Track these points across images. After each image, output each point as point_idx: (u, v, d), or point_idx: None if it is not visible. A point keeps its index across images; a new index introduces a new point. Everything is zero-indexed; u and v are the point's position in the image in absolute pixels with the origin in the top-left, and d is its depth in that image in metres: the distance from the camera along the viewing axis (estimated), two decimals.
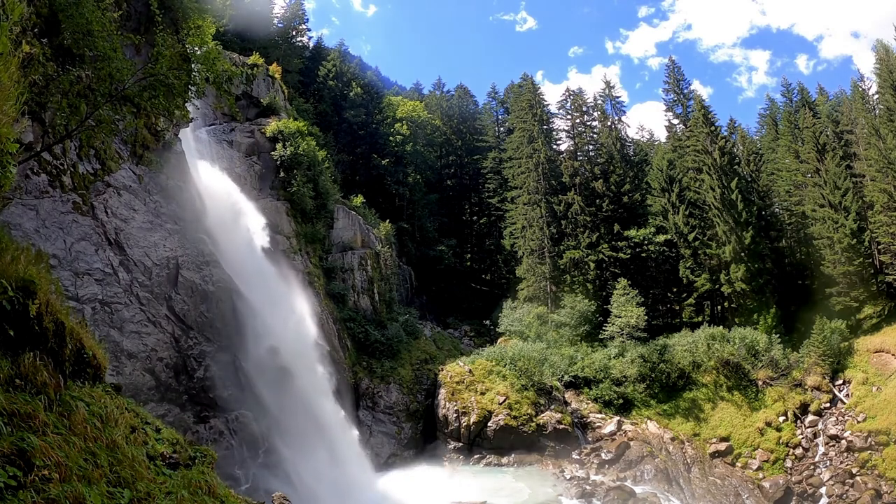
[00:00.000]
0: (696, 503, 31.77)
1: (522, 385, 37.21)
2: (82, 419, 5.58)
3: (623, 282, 44.65)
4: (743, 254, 45.00)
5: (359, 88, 66.70)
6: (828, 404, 36.43)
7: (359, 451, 31.15)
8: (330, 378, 31.78)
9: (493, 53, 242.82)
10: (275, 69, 46.10)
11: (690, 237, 48.70)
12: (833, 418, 35.18)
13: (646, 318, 42.38)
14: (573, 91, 58.87)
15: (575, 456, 34.47)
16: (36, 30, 10.95)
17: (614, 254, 49.53)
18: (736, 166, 50.97)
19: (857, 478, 31.06)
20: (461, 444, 35.11)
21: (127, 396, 8.96)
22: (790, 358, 38.90)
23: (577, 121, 57.92)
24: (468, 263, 69.93)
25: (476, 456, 34.35)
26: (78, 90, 9.81)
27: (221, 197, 29.75)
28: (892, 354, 36.25)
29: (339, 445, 29.41)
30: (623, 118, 60.44)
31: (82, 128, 9.99)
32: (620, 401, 38.45)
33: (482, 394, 36.86)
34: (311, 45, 71.98)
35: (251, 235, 30.83)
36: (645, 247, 49.44)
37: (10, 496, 3.94)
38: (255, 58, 43.24)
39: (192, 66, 11.80)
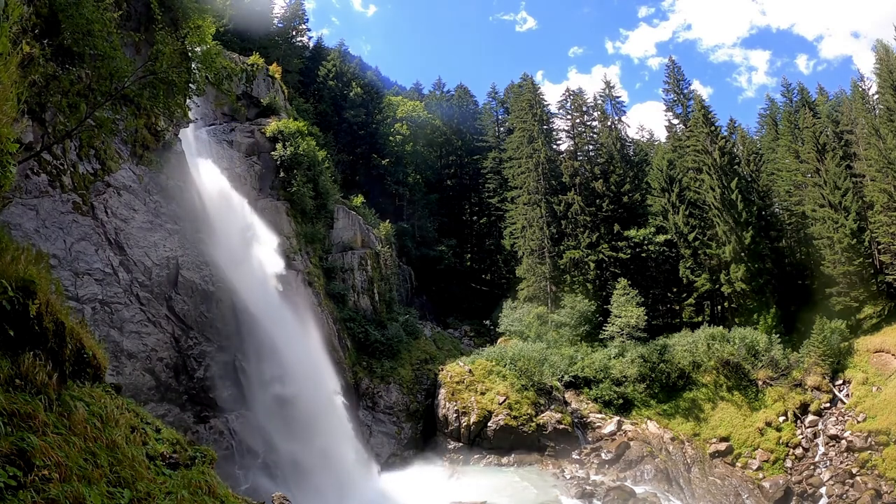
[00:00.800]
0: (696, 503, 31.77)
1: (522, 385, 37.20)
2: (82, 419, 5.58)
3: (623, 282, 44.64)
4: (743, 254, 44.99)
5: (359, 88, 66.67)
6: (828, 404, 36.42)
7: (381, 486, 29.98)
8: (350, 417, 31.25)
9: (493, 53, 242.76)
10: (275, 69, 46.08)
11: (690, 237, 48.70)
12: (833, 418, 35.17)
13: (646, 318, 42.35)
14: (573, 91, 58.90)
15: (575, 456, 34.46)
16: (36, 30, 10.94)
17: (614, 254, 49.53)
18: (736, 166, 50.97)
19: (857, 478, 31.05)
20: (461, 444, 35.10)
21: (127, 396, 8.96)
22: (790, 358, 38.89)
23: (577, 121, 57.91)
24: (468, 263, 69.88)
25: (476, 456, 34.33)
26: (78, 90, 9.81)
27: (232, 220, 28.69)
28: (892, 354, 36.25)
29: (361, 485, 28.58)
30: (623, 118, 60.50)
31: (82, 127, 9.99)
32: (620, 401, 38.43)
33: (482, 394, 36.85)
34: (311, 45, 72.04)
35: (265, 271, 29.39)
36: (645, 247, 49.43)
37: (10, 496, 3.94)
38: (255, 58, 43.19)
39: (192, 63, 11.80)
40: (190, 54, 12.23)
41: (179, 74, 10.69)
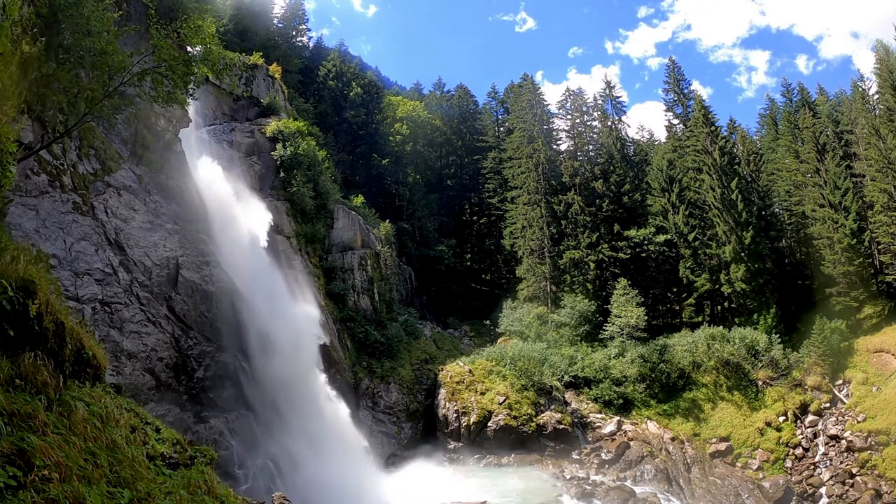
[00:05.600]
0: (696, 503, 31.76)
1: (522, 385, 37.18)
2: (82, 419, 5.57)
3: (623, 282, 44.62)
4: (743, 254, 44.96)
5: (359, 88, 66.69)
6: (828, 404, 36.40)
7: (381, 486, 29.16)
8: (350, 417, 31.21)
9: (493, 53, 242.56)
10: (275, 69, 46.11)
11: (690, 237, 48.67)
12: (833, 418, 35.15)
13: (646, 318, 42.32)
14: (573, 91, 58.83)
15: (575, 456, 34.44)
16: (35, 29, 10.94)
17: (614, 254, 49.49)
18: (736, 166, 50.90)
19: (857, 478, 31.04)
20: (461, 444, 35.08)
21: (127, 396, 8.96)
22: (790, 358, 38.86)
23: (577, 121, 57.88)
24: (468, 263, 69.86)
25: (476, 456, 34.31)
26: (78, 88, 9.80)
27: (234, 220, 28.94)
28: (892, 354, 36.24)
29: (361, 485, 27.78)
30: (623, 118, 60.30)
31: (82, 123, 9.99)
32: (620, 401, 38.40)
33: (482, 394, 36.83)
34: (311, 45, 72.27)
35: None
36: (645, 247, 49.38)
37: (10, 496, 3.93)
38: (255, 58, 43.21)
39: (190, 52, 11.80)
40: (188, 47, 12.25)
41: (177, 67, 10.70)
